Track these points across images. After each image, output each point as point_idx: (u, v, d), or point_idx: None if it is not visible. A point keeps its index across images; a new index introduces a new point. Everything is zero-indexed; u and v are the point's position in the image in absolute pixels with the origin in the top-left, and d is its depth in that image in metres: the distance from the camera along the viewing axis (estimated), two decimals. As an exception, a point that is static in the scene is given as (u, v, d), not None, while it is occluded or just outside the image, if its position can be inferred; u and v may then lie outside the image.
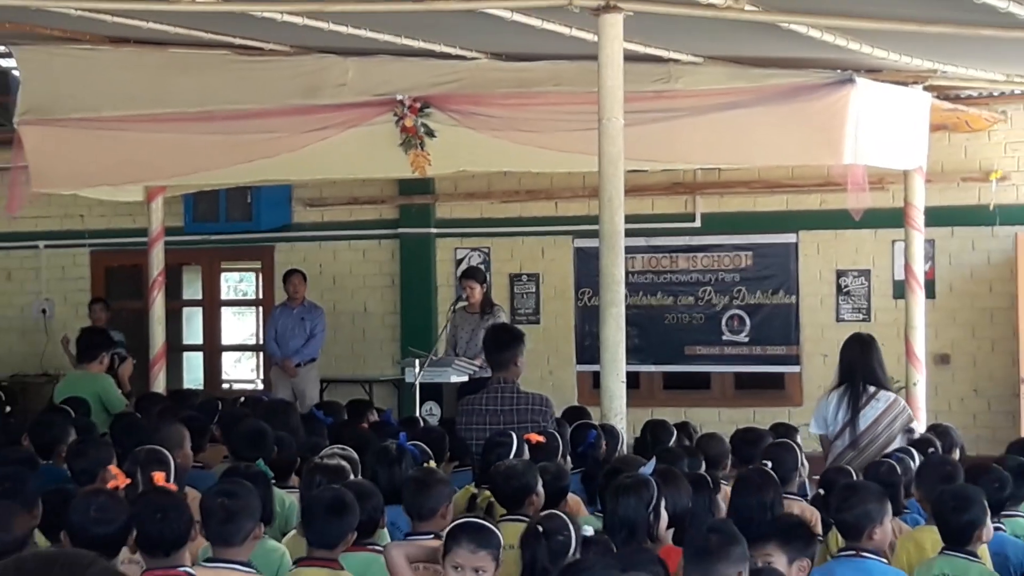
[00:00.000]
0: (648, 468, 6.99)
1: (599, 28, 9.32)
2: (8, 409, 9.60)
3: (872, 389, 10.00)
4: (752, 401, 14.31)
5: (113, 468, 6.19)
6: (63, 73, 12.65)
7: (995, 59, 11.70)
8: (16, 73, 13.30)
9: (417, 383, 12.42)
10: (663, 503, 6.17)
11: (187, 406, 10.85)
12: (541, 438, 8.17)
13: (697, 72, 11.63)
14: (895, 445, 9.60)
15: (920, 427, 10.73)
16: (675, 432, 9.44)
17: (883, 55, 11.18)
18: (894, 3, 8.85)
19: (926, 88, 12.25)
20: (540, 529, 5.74)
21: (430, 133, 11.77)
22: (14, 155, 12.82)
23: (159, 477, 5.96)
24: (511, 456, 7.49)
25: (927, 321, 12.87)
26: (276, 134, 12.16)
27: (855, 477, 7.58)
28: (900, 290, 13.32)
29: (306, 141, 12.09)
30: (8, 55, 13.52)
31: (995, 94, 13.55)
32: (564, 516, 6.10)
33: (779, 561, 5.88)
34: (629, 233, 9.84)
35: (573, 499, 7.59)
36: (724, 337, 14.95)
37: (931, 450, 8.71)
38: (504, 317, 13.22)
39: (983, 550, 6.65)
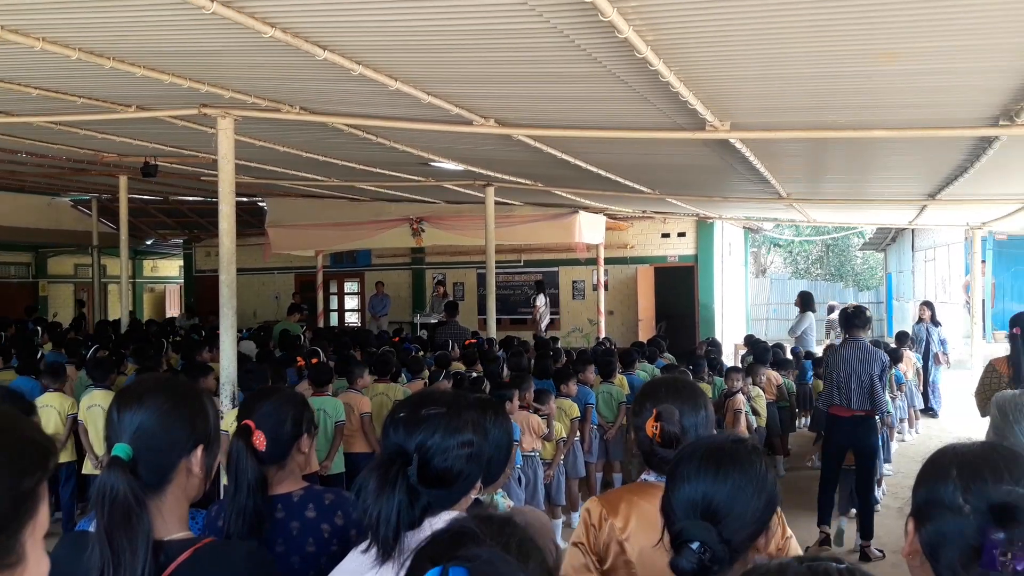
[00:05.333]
0: (500, 353, 6.89)
1: (486, 192, 9.20)
2: (263, 334, 9.16)
3: None
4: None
5: (300, 358, 5.95)
6: (284, 207, 12.28)
7: (626, 204, 11.66)
8: (265, 208, 12.89)
9: (418, 323, 12.28)
10: (505, 365, 6.09)
11: (329, 333, 10.53)
12: (473, 340, 8.00)
13: (521, 208, 11.59)
14: None
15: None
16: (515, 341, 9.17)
17: (589, 203, 11.14)
18: (586, 183, 8.79)
19: (604, 214, 12.35)
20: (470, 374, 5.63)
21: (423, 230, 11.60)
22: (265, 239, 12.43)
23: (314, 360, 5.72)
24: (448, 350, 7.32)
25: (605, 299, 13.05)
26: (364, 232, 11.91)
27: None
28: (595, 288, 13.45)
29: (375, 234, 11.85)
30: (263, 200, 13.08)
31: (628, 216, 13.57)
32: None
33: (588, 377, 5.80)
34: (497, 267, 9.68)
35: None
36: (532, 305, 14.77)
37: (606, 346, 8.69)
38: (450, 298, 13.04)
39: (620, 380, 6.51)
